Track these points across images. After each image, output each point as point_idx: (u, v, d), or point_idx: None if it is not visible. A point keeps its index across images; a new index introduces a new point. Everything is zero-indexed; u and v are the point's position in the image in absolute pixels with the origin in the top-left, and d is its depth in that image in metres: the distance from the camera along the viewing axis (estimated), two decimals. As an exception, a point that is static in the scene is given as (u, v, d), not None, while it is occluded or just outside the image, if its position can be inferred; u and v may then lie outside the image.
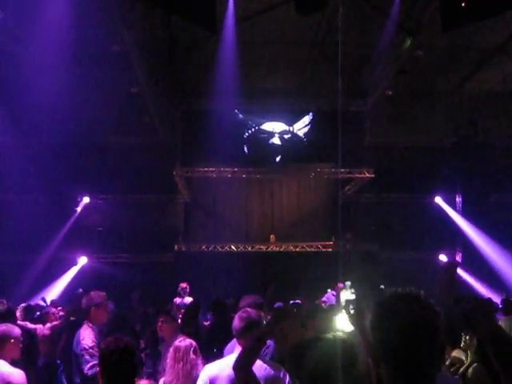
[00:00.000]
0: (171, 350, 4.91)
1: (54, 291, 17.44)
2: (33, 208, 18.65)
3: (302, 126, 19.18)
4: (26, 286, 15.93)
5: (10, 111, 15.80)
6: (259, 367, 4.13)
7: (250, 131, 19.09)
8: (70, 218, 19.52)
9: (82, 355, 5.71)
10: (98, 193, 20.16)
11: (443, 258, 18.95)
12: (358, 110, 19.06)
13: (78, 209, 19.88)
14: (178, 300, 12.73)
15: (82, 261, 19.38)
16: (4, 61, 13.60)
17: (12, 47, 13.86)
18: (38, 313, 10.67)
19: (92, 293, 6.38)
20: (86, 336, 5.89)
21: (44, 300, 12.78)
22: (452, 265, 12.34)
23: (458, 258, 19.61)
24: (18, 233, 18.13)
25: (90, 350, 5.70)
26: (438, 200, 20.40)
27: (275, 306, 9.53)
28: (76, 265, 19.22)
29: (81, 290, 10.78)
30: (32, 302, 12.62)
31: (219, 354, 5.62)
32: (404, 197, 20.19)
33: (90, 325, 6.09)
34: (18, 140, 17.17)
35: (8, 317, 8.31)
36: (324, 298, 12.94)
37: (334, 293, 11.97)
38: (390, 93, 17.43)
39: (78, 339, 5.91)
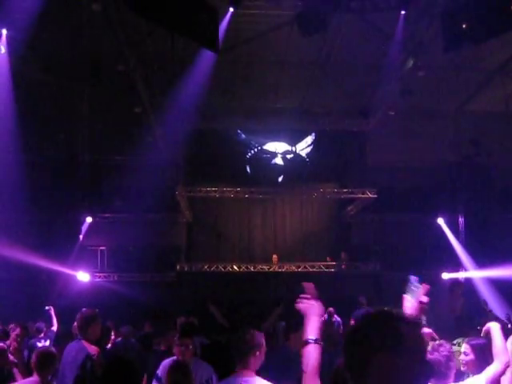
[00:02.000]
0: None
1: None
2: (34, 227, 18.67)
3: (304, 146, 19.21)
4: (29, 301, 15.85)
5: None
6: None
7: (252, 151, 19.11)
8: (72, 237, 19.49)
9: None
10: (100, 212, 20.16)
11: (446, 276, 18.85)
12: (361, 129, 19.08)
13: (83, 228, 19.87)
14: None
15: (84, 277, 19.31)
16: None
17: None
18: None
19: (84, 310, 6.35)
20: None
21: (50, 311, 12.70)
22: (456, 284, 12.30)
23: (462, 278, 19.53)
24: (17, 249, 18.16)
25: None
26: (440, 222, 20.35)
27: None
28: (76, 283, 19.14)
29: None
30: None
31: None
32: (407, 217, 20.15)
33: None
34: (18, 157, 17.19)
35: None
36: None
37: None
38: (393, 113, 17.46)
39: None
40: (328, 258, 19.73)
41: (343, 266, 19.52)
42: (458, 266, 19.36)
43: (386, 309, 1.96)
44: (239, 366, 4.26)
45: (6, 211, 18.38)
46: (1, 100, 14.50)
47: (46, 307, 12.85)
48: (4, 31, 13.15)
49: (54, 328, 10.84)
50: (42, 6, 12.07)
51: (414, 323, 1.92)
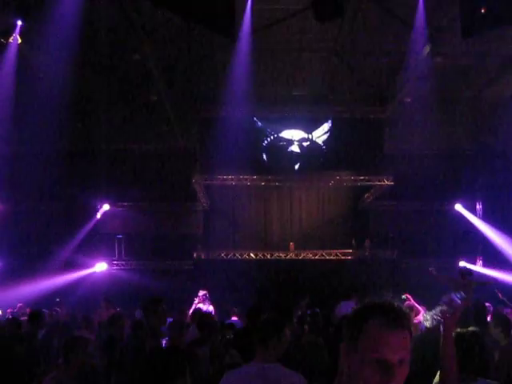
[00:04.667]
0: None
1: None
2: (52, 215, 18.84)
3: (321, 134, 19.11)
4: (42, 290, 15.99)
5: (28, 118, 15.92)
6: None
7: (268, 139, 19.06)
8: (89, 225, 19.64)
9: None
10: (117, 200, 20.29)
11: (463, 264, 18.78)
12: (378, 117, 18.97)
13: (98, 215, 20.00)
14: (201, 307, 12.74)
15: (101, 267, 19.47)
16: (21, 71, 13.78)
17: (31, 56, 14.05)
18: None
19: None
20: None
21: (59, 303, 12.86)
22: (463, 272, 12.22)
23: (479, 265, 19.45)
24: (35, 240, 18.36)
25: None
26: (459, 207, 20.26)
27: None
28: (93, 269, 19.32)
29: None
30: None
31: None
32: (423, 204, 20.08)
33: None
34: (37, 147, 17.30)
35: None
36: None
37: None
38: (410, 100, 17.35)
39: None
40: (353, 242, 19.72)
41: (367, 254, 19.50)
42: (475, 253, 19.30)
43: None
44: (260, 352, 4.22)
45: (24, 200, 18.57)
46: (15, 91, 14.61)
47: (57, 299, 13.05)
48: (19, 22, 13.23)
49: None
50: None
51: None
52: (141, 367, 3.67)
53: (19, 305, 13.83)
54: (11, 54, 13.80)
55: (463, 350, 3.95)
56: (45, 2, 12.47)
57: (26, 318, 10.30)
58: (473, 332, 4.26)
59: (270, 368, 4.14)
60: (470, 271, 12.82)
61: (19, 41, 13.49)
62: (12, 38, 13.34)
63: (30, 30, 13.47)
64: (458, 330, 4.16)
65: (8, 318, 10.50)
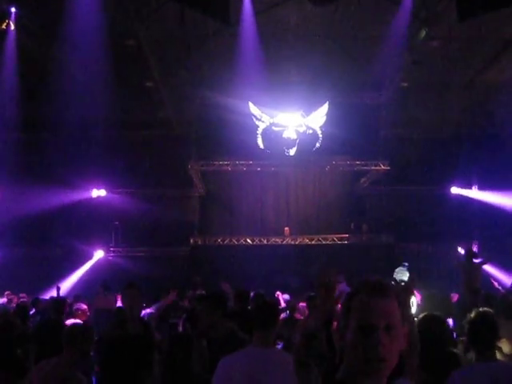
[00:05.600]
0: None
1: (69, 284, 17.57)
2: (48, 203, 18.80)
3: (316, 119, 19.09)
4: (42, 278, 15.97)
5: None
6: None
7: (264, 124, 19.02)
8: (85, 213, 19.62)
9: None
10: (113, 186, 20.28)
11: (460, 250, 18.82)
12: (373, 101, 18.95)
13: (94, 195, 20.00)
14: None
15: (98, 254, 19.51)
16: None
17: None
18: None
19: None
20: None
21: (58, 289, 12.82)
22: (469, 254, 12.23)
23: (475, 249, 19.49)
24: (32, 226, 18.36)
25: None
26: (455, 191, 20.31)
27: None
28: (91, 258, 19.37)
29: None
30: (46, 295, 12.76)
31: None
32: (420, 189, 20.11)
33: None
34: (31, 134, 17.28)
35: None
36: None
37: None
38: (406, 84, 17.32)
39: None
40: (352, 226, 19.78)
41: (363, 238, 19.57)
42: (471, 237, 19.33)
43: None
44: (258, 335, 4.23)
45: (16, 188, 18.53)
46: (11, 77, 14.58)
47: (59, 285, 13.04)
48: (13, 9, 13.19)
49: None
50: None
51: None
52: (106, 354, 3.64)
53: (22, 295, 13.80)
54: (9, 40, 13.84)
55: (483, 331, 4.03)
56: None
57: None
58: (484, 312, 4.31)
59: (271, 352, 4.17)
60: (477, 254, 12.87)
61: (12, 27, 13.44)
62: (5, 24, 13.29)
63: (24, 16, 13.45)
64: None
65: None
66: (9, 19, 13.30)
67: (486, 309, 4.30)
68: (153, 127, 20.06)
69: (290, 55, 16.82)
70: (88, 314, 9.97)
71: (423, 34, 13.83)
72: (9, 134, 17.45)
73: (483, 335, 4.02)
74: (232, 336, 4.91)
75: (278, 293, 11.70)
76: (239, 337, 4.94)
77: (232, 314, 8.16)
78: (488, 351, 4.00)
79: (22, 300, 12.88)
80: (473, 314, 4.14)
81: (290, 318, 9.50)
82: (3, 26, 13.34)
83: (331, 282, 3.55)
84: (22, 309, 9.55)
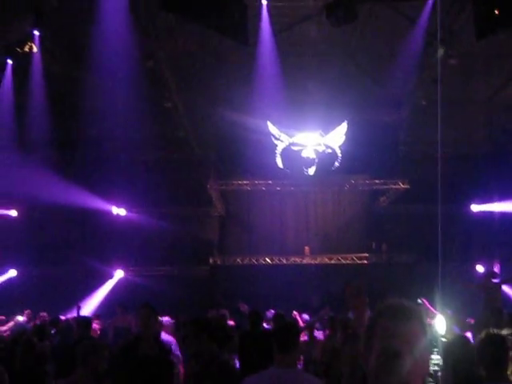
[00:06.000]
0: None
1: (90, 304, 17.64)
2: (71, 223, 18.98)
3: (335, 138, 19.09)
4: (62, 298, 16.05)
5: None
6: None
7: (283, 143, 19.06)
8: (105, 232, 19.74)
9: None
10: (133, 206, 20.37)
11: (480, 268, 18.64)
12: (392, 119, 18.91)
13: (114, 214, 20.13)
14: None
15: (118, 274, 19.58)
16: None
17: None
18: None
19: None
20: None
21: (79, 309, 12.89)
22: (489, 274, 12.12)
23: (496, 269, 19.28)
24: (53, 245, 18.51)
25: None
26: (476, 208, 20.13)
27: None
28: (111, 278, 19.44)
29: None
30: (67, 315, 12.81)
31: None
32: (440, 207, 19.93)
33: None
34: (54, 153, 17.45)
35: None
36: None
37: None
38: (425, 102, 17.29)
39: None
40: (373, 246, 19.66)
41: (383, 257, 19.43)
42: (492, 257, 19.13)
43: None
44: (280, 357, 4.19)
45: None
46: (35, 97, 14.84)
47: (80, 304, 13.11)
48: (36, 32, 13.41)
49: None
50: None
51: None
52: (131, 373, 3.65)
53: (42, 314, 13.87)
54: (35, 63, 14.13)
55: (492, 351, 4.00)
56: (60, 12, 12.64)
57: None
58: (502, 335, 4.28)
59: (292, 373, 4.14)
60: (497, 274, 12.75)
61: (35, 49, 13.66)
62: (28, 46, 13.50)
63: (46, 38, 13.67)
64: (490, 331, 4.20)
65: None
66: (32, 42, 13.52)
67: (495, 330, 4.27)
68: (172, 147, 20.17)
69: (308, 74, 16.89)
70: (98, 332, 10.01)
71: (441, 52, 13.82)
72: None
73: (492, 355, 3.97)
74: (215, 359, 4.86)
75: (295, 313, 11.65)
76: (223, 360, 4.91)
77: (246, 335, 8.20)
78: (497, 372, 3.95)
79: (42, 319, 12.96)
80: (482, 334, 4.11)
81: (310, 338, 9.48)
82: (26, 49, 13.55)
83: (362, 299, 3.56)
84: (40, 328, 9.59)
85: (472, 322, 11.29)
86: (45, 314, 13.55)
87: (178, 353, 9.30)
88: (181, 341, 8.04)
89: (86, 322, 8.52)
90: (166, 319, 9.70)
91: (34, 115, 15.72)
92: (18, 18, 13.28)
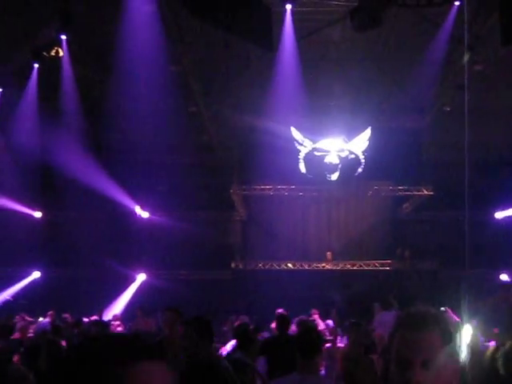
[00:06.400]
0: None
1: (115, 307, 17.73)
2: (93, 225, 19.13)
3: (358, 144, 19.03)
4: (86, 300, 16.15)
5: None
6: None
7: (306, 149, 19.03)
8: (128, 235, 19.87)
9: None
10: (156, 210, 20.47)
11: (504, 277, 18.42)
12: (416, 125, 18.80)
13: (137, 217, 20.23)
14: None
15: (141, 277, 19.67)
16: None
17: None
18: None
19: None
20: None
21: (101, 312, 13.00)
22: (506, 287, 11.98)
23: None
24: (76, 248, 18.69)
25: None
26: (500, 214, 19.93)
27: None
28: (134, 281, 19.54)
29: None
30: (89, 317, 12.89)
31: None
32: (464, 214, 19.75)
33: None
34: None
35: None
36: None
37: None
38: (449, 108, 17.17)
39: None
40: (398, 252, 19.55)
41: (406, 264, 19.30)
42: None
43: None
44: (303, 363, 4.18)
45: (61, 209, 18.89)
46: (67, 101, 15.06)
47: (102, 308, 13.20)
48: (63, 36, 13.56)
49: None
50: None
51: None
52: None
53: (65, 315, 13.98)
54: (65, 67, 14.33)
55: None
56: (87, 16, 12.77)
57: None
58: None
59: (315, 379, 4.13)
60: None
61: (61, 53, 13.80)
62: (55, 51, 13.64)
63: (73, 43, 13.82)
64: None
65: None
66: (59, 46, 13.66)
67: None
68: (196, 151, 20.25)
69: (331, 80, 16.88)
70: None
71: (466, 57, 13.72)
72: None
73: None
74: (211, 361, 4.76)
75: (315, 316, 11.57)
76: (219, 362, 4.82)
77: (273, 339, 8.17)
78: None
79: (64, 320, 13.08)
80: (507, 345, 4.07)
81: (333, 345, 9.44)
82: (53, 53, 13.68)
83: None
84: (57, 329, 9.64)
85: (496, 331, 11.16)
86: (67, 315, 13.67)
87: None
88: None
89: (104, 324, 8.58)
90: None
91: (65, 120, 15.97)
92: (45, 22, 13.43)
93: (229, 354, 7.03)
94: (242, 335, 6.46)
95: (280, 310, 10.85)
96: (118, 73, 13.99)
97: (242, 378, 4.47)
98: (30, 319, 13.44)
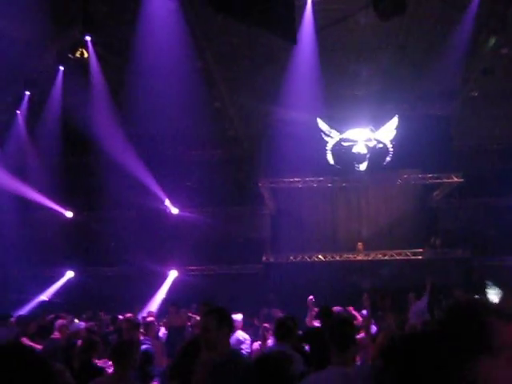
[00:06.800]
0: None
1: (151, 305, 17.84)
2: (123, 224, 19.31)
3: (386, 132, 18.89)
4: (120, 299, 16.29)
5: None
6: None
7: (333, 140, 18.95)
8: (159, 232, 20.00)
9: None
10: (184, 206, 20.56)
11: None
12: (444, 112, 18.60)
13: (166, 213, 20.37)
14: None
15: (173, 274, 19.78)
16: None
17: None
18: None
19: None
20: None
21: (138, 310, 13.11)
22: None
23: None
24: (106, 245, 18.90)
25: None
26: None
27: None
28: (165, 277, 19.66)
29: None
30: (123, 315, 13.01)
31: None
32: (494, 200, 19.55)
33: None
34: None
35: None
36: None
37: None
38: (476, 94, 16.95)
39: None
40: (432, 240, 19.39)
41: (438, 253, 19.12)
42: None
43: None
44: (337, 355, 4.15)
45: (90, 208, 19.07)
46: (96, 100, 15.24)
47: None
48: (88, 38, 13.68)
49: None
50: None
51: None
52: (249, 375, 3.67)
53: (101, 313, 14.14)
54: (93, 67, 14.50)
55: None
56: (112, 16, 12.87)
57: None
58: None
59: (350, 371, 4.09)
60: None
61: (86, 55, 13.92)
62: (79, 52, 13.77)
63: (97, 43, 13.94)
64: None
65: None
66: (84, 47, 13.79)
67: None
68: (222, 145, 20.30)
69: (356, 69, 16.76)
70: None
71: (492, 41, 13.53)
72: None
73: None
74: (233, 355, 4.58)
75: (350, 308, 11.54)
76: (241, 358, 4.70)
77: (315, 331, 8.13)
78: None
79: (99, 318, 13.24)
80: None
81: (367, 335, 9.37)
82: (78, 55, 13.81)
83: None
84: (90, 329, 9.74)
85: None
86: (102, 313, 13.84)
87: (248, 350, 9.41)
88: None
89: (135, 323, 8.65)
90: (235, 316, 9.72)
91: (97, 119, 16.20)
92: (69, 24, 13.55)
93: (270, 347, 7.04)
94: (283, 327, 6.45)
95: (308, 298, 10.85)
96: (142, 71, 14.07)
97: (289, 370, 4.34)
98: (67, 319, 13.61)
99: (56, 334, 9.13)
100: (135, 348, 5.42)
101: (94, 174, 18.15)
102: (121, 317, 12.36)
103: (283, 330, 6.34)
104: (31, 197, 17.99)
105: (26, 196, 17.88)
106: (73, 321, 12.79)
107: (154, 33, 12.96)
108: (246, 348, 9.35)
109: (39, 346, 8.65)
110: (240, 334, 9.57)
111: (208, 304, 6.04)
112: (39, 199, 18.35)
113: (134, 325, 8.17)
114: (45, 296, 18.24)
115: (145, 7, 12.61)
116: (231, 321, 4.45)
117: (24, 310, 15.10)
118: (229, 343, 4.48)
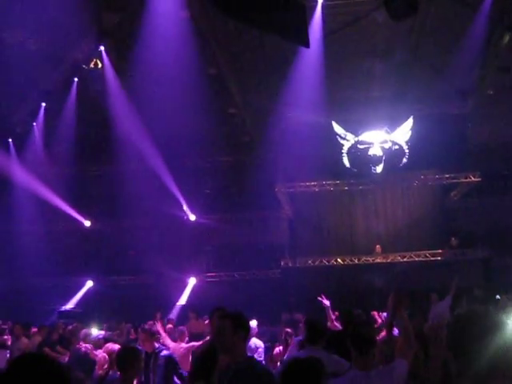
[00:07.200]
0: None
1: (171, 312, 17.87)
2: (141, 233, 19.40)
3: (402, 133, 18.83)
4: (141, 308, 16.31)
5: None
6: None
7: (349, 143, 18.92)
8: (177, 240, 20.05)
9: None
10: (202, 212, 20.59)
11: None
12: (459, 112, 18.50)
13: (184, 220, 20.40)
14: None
15: (192, 281, 19.80)
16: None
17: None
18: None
19: None
20: None
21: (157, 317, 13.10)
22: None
23: None
24: (126, 254, 18.99)
25: None
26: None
27: None
28: (185, 284, 19.68)
29: None
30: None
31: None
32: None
33: None
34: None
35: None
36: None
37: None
38: (492, 92, 16.84)
39: None
40: (452, 241, 19.24)
41: (457, 253, 18.96)
42: None
43: None
44: (358, 358, 4.14)
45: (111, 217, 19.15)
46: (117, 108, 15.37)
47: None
48: (102, 47, 13.78)
49: None
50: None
51: None
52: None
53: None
54: (109, 76, 14.60)
55: None
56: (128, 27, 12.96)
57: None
58: None
59: (372, 374, 4.07)
60: None
61: (100, 65, 14.02)
62: (93, 63, 13.87)
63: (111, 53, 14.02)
64: None
65: None
66: (98, 58, 13.90)
67: None
68: (238, 151, 20.32)
69: (370, 71, 16.73)
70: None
71: (507, 38, 13.44)
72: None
73: None
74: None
75: (374, 312, 11.47)
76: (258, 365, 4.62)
77: (338, 334, 8.09)
78: None
79: (120, 327, 13.27)
80: None
81: (389, 337, 9.29)
82: (92, 65, 13.91)
83: None
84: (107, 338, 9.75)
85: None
86: (124, 323, 13.89)
87: (261, 358, 9.33)
88: None
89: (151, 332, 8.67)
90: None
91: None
92: (83, 36, 13.65)
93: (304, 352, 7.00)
94: (312, 329, 6.40)
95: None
96: (155, 81, 14.14)
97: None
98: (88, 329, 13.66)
99: (81, 344, 9.14)
100: (139, 355, 5.44)
101: (112, 184, 18.23)
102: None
103: (315, 333, 6.28)
104: (51, 208, 18.11)
105: (47, 207, 18.01)
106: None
107: (165, 42, 13.01)
108: (258, 357, 9.21)
109: (63, 356, 8.70)
110: (253, 342, 9.48)
111: (221, 309, 5.99)
112: (59, 210, 18.47)
113: (150, 334, 8.17)
114: (66, 306, 18.33)
115: (156, 17, 12.66)
116: (247, 325, 4.42)
117: (45, 320, 15.15)
118: (245, 348, 4.45)
